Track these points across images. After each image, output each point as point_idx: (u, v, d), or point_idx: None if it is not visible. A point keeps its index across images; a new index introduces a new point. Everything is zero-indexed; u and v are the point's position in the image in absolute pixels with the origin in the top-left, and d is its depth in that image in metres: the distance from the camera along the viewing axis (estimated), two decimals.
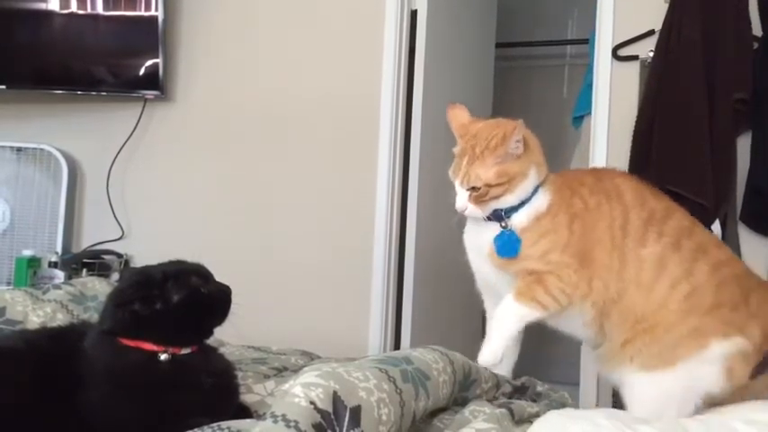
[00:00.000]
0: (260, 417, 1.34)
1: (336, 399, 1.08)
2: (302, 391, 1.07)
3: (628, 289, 1.43)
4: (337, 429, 1.06)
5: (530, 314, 1.47)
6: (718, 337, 1.38)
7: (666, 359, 1.40)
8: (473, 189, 1.43)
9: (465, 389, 1.41)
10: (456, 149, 1.51)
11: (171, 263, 1.38)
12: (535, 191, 1.48)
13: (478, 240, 1.52)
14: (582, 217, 1.46)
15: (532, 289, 1.45)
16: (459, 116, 1.55)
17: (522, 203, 1.47)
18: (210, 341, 1.43)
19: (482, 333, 3.86)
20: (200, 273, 1.36)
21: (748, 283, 1.47)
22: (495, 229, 1.48)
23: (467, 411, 1.32)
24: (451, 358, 1.38)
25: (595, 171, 1.64)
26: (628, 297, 1.43)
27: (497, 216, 1.47)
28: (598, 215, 1.46)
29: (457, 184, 1.47)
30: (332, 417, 1.06)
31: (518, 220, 1.47)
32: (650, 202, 1.48)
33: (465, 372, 1.41)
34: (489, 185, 1.42)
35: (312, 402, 1.05)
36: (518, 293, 1.47)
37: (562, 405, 1.53)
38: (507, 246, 1.45)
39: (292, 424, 1.01)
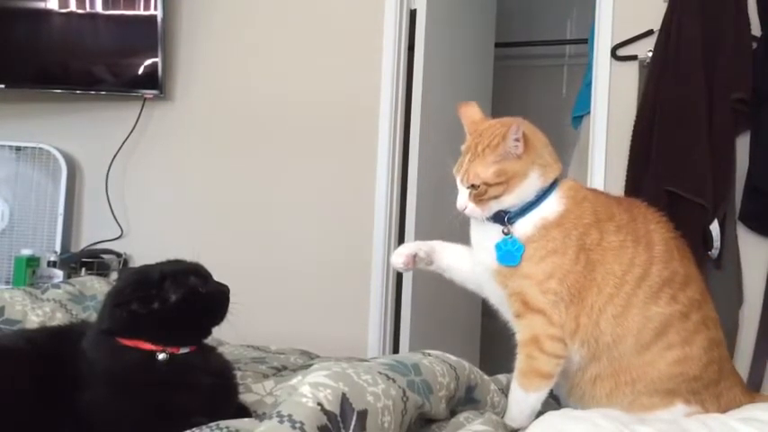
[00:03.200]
0: (259, 416, 1.34)
1: (345, 401, 1.08)
2: (310, 392, 1.06)
3: (626, 337, 1.40)
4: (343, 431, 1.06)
5: (541, 396, 1.43)
6: (683, 401, 1.43)
7: (644, 406, 1.41)
8: (473, 187, 1.42)
9: (462, 403, 1.41)
10: (463, 147, 1.49)
11: (169, 262, 1.38)
12: (543, 196, 1.43)
13: (482, 239, 1.49)
14: (592, 252, 1.40)
15: (532, 361, 1.41)
16: (470, 114, 1.53)
17: (528, 209, 1.42)
18: (209, 340, 1.43)
19: (481, 332, 3.84)
20: (199, 272, 1.36)
21: (726, 368, 1.50)
22: (498, 234, 1.43)
23: (461, 417, 1.33)
24: (458, 373, 1.37)
25: (630, 206, 1.51)
26: (624, 345, 1.40)
27: (499, 219, 1.43)
28: (616, 257, 1.40)
29: (458, 181, 1.46)
30: (338, 419, 1.06)
31: (522, 230, 1.41)
32: (675, 262, 1.44)
33: (468, 387, 1.41)
34: (488, 184, 1.39)
35: (320, 404, 1.05)
36: (522, 377, 1.43)
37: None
38: (509, 254, 1.41)
39: (298, 425, 1.01)
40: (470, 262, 1.55)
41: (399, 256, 1.56)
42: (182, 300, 1.29)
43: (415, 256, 1.56)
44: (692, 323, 1.42)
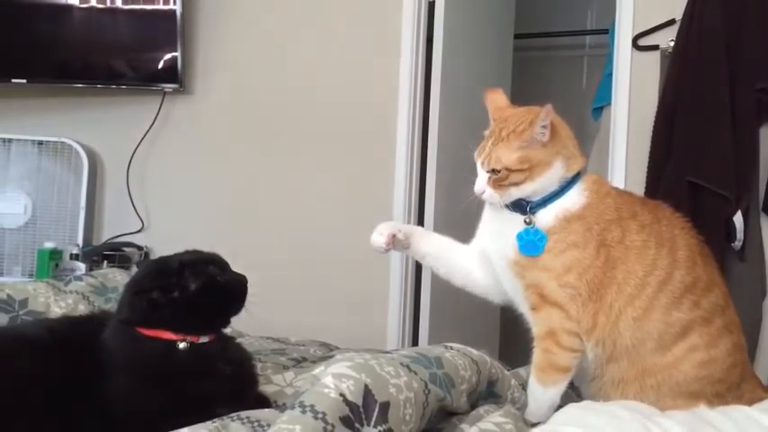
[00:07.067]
0: (279, 407, 1.35)
1: (367, 392, 1.08)
2: (333, 382, 1.06)
3: (646, 342, 1.39)
4: (365, 423, 1.05)
5: (559, 390, 1.42)
6: (706, 403, 1.37)
7: (667, 407, 1.39)
8: (493, 171, 1.38)
9: (483, 397, 1.41)
10: (486, 132, 1.48)
11: (187, 252, 1.38)
12: (566, 188, 1.41)
13: (501, 229, 1.46)
14: (613, 248, 1.39)
15: (549, 355, 1.40)
16: (496, 100, 1.51)
17: (550, 200, 1.40)
18: (229, 332, 1.44)
19: (500, 324, 3.81)
20: (217, 262, 1.37)
21: (747, 372, 1.50)
22: (518, 223, 1.41)
23: (481, 410, 1.33)
24: (480, 367, 1.37)
25: (655, 207, 1.49)
26: (644, 349, 1.39)
27: (521, 207, 1.41)
28: (638, 256, 1.39)
29: (479, 164, 1.44)
30: (360, 410, 1.06)
31: (544, 220, 1.40)
32: (698, 268, 1.43)
33: (489, 381, 1.41)
34: (509, 170, 1.36)
35: (342, 394, 1.05)
36: (539, 372, 1.41)
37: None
38: (531, 244, 1.39)
39: (320, 416, 1.01)
40: (461, 254, 1.55)
41: (381, 236, 1.52)
42: (201, 288, 1.30)
43: (394, 236, 1.53)
44: (715, 327, 1.41)
